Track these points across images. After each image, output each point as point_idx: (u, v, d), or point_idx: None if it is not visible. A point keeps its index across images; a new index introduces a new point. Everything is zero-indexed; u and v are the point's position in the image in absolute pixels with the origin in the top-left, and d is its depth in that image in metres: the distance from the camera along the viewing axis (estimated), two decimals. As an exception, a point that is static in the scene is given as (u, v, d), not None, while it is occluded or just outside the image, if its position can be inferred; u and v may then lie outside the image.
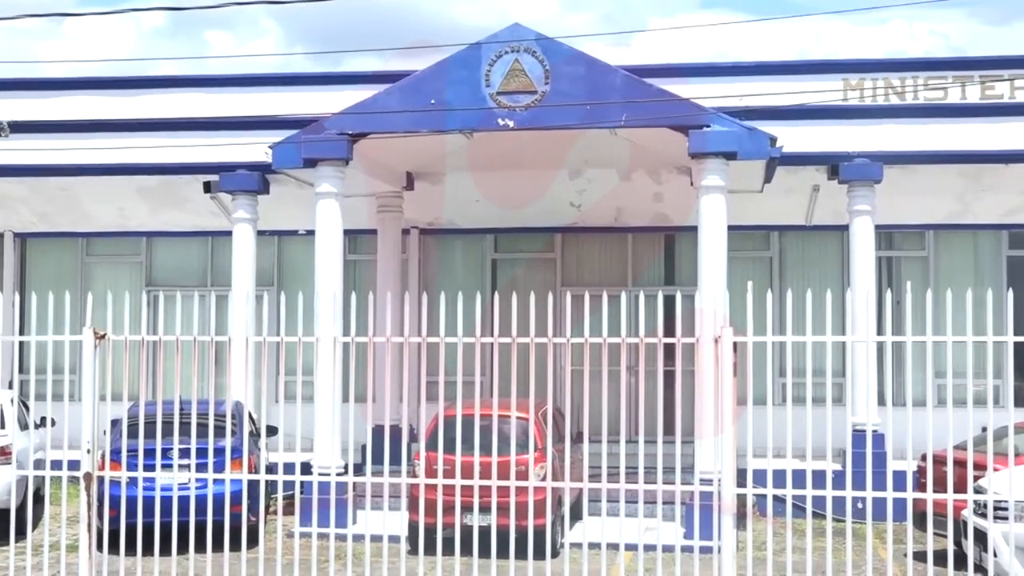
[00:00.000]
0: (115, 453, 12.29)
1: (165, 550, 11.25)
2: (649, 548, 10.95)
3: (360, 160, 17.36)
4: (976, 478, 11.11)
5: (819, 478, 10.50)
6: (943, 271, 21.29)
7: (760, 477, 10.75)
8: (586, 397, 10.62)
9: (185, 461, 11.62)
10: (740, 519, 10.57)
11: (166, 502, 11.51)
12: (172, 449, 11.31)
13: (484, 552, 10.56)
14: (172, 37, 64.12)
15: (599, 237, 22.38)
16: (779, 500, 11.02)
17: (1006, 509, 10.84)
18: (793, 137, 17.18)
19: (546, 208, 20.93)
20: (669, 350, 10.80)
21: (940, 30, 58.78)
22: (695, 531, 12.34)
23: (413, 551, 12.19)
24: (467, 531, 10.77)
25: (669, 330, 10.78)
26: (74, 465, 11.07)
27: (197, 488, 11.82)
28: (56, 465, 11.49)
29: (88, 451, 11.04)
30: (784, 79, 18.70)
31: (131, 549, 10.90)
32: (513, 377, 10.62)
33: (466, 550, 10.71)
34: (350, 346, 11.15)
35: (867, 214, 18.97)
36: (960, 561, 10.66)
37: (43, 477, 11.72)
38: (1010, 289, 10.40)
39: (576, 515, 13.27)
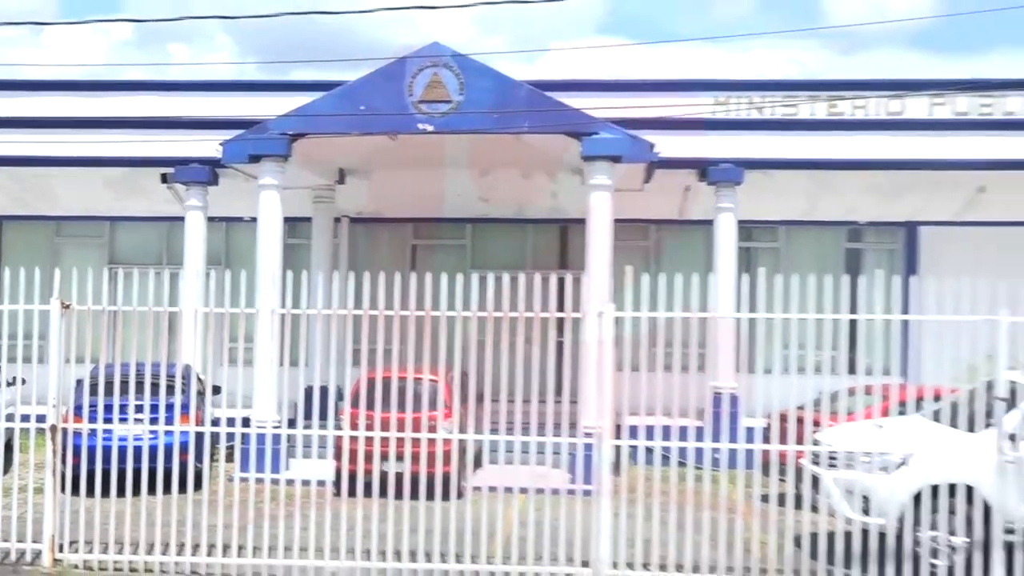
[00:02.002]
0: (78, 408, 12.12)
1: (121, 493, 11.13)
2: (540, 492, 11.04)
3: (298, 157, 17.25)
4: (814, 433, 11.33)
5: (684, 433, 10.65)
6: (792, 260, 21.44)
7: (635, 431, 10.88)
8: (489, 363, 10.67)
9: (140, 416, 11.51)
10: (616, 467, 10.67)
11: (123, 451, 11.39)
12: (128, 405, 11.20)
13: (399, 495, 10.59)
14: (138, 47, 62.90)
15: (504, 227, 22.35)
16: (650, 451, 11.16)
17: (837, 458, 11.06)
18: (669, 144, 17.34)
19: (459, 201, 20.93)
20: (561, 323, 10.89)
21: (797, 57, 59.50)
22: (579, 477, 12.43)
23: (338, 494, 12.18)
24: (385, 477, 10.77)
25: (561, 306, 10.86)
26: (42, 419, 10.95)
27: (150, 439, 11.72)
28: (26, 418, 11.30)
29: (54, 406, 10.90)
30: (663, 95, 18.79)
31: (91, 492, 10.78)
32: (427, 345, 10.63)
33: (384, 493, 10.72)
34: (286, 318, 11.09)
35: (730, 211, 19.21)
36: (798, 502, 10.87)
37: (14, 429, 11.52)
38: (847, 276, 10.60)
39: (478, 463, 13.33)
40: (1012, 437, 10.26)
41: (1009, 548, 10.11)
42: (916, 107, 19.10)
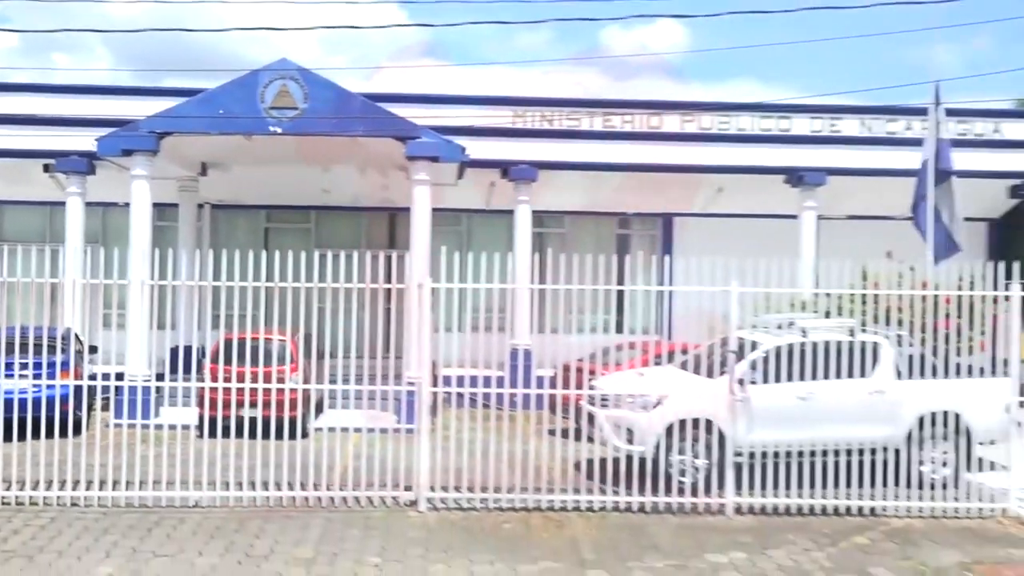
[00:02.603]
0: (-30, 367, 11.40)
1: (8, 438, 10.54)
2: (371, 431, 11.01)
3: (165, 152, 16.58)
4: (590, 380, 11.62)
5: (488, 381, 10.78)
6: (575, 242, 21.70)
7: (448, 380, 10.95)
8: (329, 326, 10.55)
9: (26, 372, 10.93)
10: (434, 409, 10.72)
11: (10, 402, 10.79)
12: (15, 363, 10.62)
13: (253, 435, 10.38)
14: (24, 54, 58.97)
15: (343, 214, 21.96)
16: (461, 396, 11.25)
17: (608, 399, 11.38)
18: (478, 147, 17.36)
19: (305, 192, 20.52)
20: (389, 293, 10.84)
21: (582, 80, 60.48)
22: (403, 418, 12.44)
23: (202, 436, 11.83)
24: (242, 421, 10.53)
25: (389, 279, 10.81)
26: (-65, 375, 10.21)
27: (35, 392, 11.15)
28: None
29: (-54, 365, 10.22)
30: (473, 107, 18.77)
31: (-19, 438, 10.20)
32: (277, 311, 10.42)
33: (241, 434, 10.48)
34: (155, 288, 10.67)
35: (526, 203, 19.41)
36: (578, 435, 11.14)
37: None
38: (617, 255, 10.88)
39: (320, 408, 13.18)
40: (740, 381, 10.76)
41: (738, 467, 10.64)
42: (671, 122, 19.61)
